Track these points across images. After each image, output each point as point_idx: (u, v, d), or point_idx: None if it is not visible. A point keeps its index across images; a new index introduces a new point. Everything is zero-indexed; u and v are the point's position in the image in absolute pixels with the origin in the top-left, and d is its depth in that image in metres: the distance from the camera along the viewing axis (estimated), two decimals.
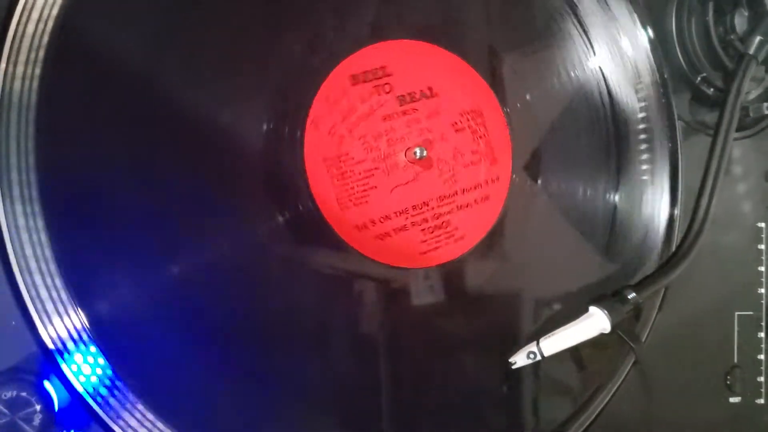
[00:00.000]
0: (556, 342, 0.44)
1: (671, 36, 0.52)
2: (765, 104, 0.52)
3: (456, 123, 0.44)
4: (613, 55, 0.48)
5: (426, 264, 0.42)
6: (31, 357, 0.35)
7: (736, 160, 0.54)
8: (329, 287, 0.40)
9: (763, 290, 0.56)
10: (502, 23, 0.46)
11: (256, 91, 0.39)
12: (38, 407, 0.33)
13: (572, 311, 0.45)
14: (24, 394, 0.33)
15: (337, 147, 0.40)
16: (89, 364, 0.36)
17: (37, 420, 0.33)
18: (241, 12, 0.39)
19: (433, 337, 0.43)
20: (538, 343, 0.44)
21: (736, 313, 0.55)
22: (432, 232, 0.42)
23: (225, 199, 0.38)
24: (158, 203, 0.37)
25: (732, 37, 0.50)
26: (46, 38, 0.35)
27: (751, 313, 0.55)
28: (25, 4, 0.35)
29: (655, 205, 0.49)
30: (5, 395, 0.33)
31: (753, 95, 0.53)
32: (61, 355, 0.36)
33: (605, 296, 0.45)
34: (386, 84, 0.42)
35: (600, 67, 0.48)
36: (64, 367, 0.36)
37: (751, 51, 0.49)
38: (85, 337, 0.36)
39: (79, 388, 0.36)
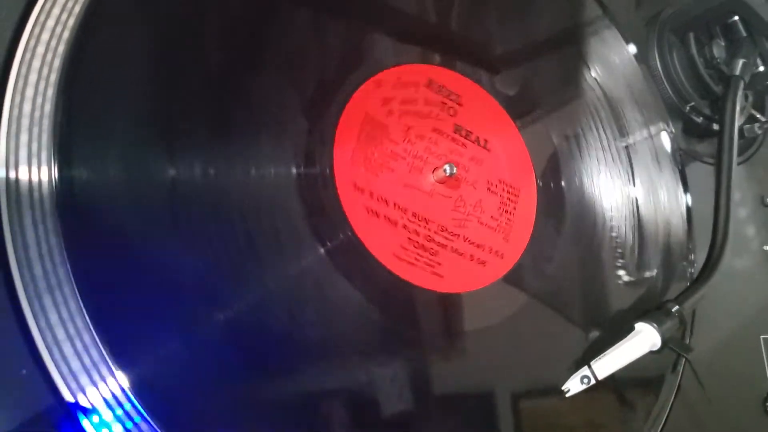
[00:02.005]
0: (609, 363, 0.41)
1: (657, 71, 0.54)
2: (756, 125, 0.53)
3: (492, 184, 0.43)
4: None
5: (392, 268, 0.39)
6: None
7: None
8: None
9: None
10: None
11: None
12: None
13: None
14: None
15: (382, 117, 0.39)
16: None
17: None
18: None
19: None
20: (590, 367, 0.41)
21: (761, 336, 0.54)
22: (416, 248, 0.39)
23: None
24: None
25: (718, 61, 0.52)
26: None
27: None
28: None
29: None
30: None
31: (740, 122, 0.55)
32: (85, 412, 0.31)
33: (648, 312, 0.43)
34: (452, 108, 0.43)
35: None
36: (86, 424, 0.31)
37: (737, 73, 0.51)
38: (121, 398, 0.31)
39: None
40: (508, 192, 0.44)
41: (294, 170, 0.37)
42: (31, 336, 0.31)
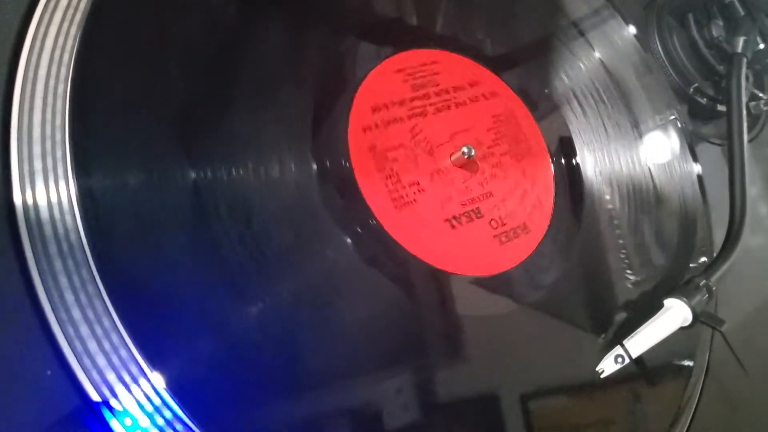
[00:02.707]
0: (642, 341, 0.40)
1: (659, 54, 0.54)
2: (762, 101, 0.53)
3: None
4: None
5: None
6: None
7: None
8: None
9: None
10: None
11: None
12: None
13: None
14: None
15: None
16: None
17: None
18: None
19: None
20: (623, 345, 0.40)
21: None
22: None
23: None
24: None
25: (719, 39, 0.52)
26: None
27: None
28: None
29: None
30: None
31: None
32: (113, 412, 0.29)
33: (676, 288, 0.42)
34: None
35: None
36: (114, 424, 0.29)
37: (739, 50, 0.51)
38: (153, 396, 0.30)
39: None
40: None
41: (314, 166, 0.36)
42: (53, 335, 0.30)
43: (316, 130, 0.37)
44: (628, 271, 0.45)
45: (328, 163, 0.36)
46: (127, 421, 0.29)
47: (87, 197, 0.29)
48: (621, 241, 0.46)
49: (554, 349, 0.41)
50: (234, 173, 0.34)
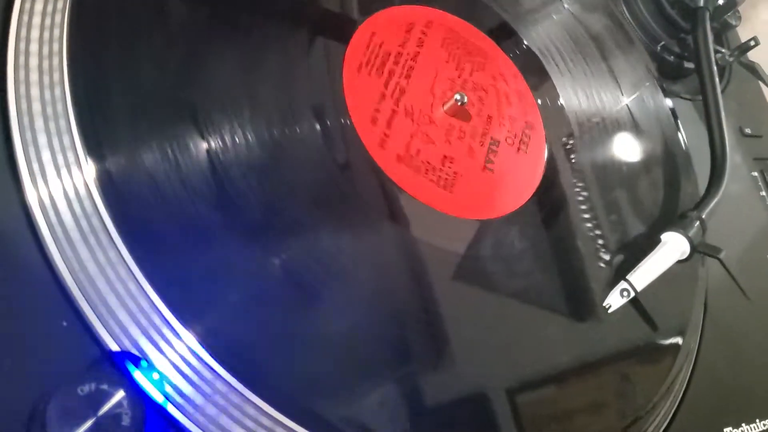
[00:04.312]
0: (644, 274, 0.41)
1: (625, 17, 0.56)
2: (726, 53, 0.55)
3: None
4: None
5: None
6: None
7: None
8: None
9: None
10: None
11: None
12: (126, 403, 0.26)
13: None
14: (105, 386, 0.26)
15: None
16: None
17: (127, 419, 0.25)
18: None
19: None
20: (627, 280, 0.40)
21: (767, 255, 0.55)
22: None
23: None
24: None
25: None
26: None
27: None
28: None
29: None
30: (82, 390, 0.25)
31: None
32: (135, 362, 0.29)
33: (671, 223, 0.43)
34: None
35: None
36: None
37: (701, 4, 0.53)
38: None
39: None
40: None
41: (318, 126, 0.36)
42: (67, 288, 0.29)
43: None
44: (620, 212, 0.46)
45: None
46: (155, 376, 0.29)
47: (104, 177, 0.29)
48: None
49: (538, 334, 0.40)
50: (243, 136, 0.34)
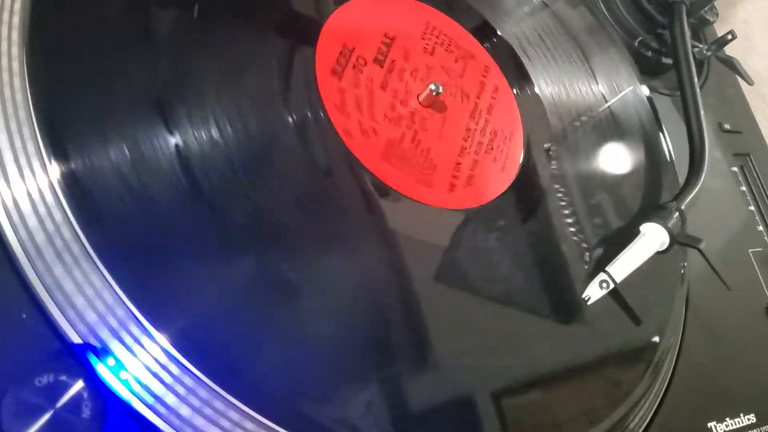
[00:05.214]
0: (623, 265, 0.40)
1: (603, 15, 0.56)
2: (704, 47, 0.55)
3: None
4: None
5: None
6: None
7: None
8: None
9: (761, 228, 0.56)
10: None
11: None
12: (85, 394, 0.25)
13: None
14: (64, 377, 0.25)
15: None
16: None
17: (87, 411, 0.25)
18: None
19: None
20: (606, 271, 0.40)
21: (749, 250, 0.55)
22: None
23: None
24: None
25: None
26: None
27: (760, 249, 0.55)
28: None
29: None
30: (40, 381, 0.24)
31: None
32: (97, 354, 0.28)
33: (650, 214, 0.43)
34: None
35: None
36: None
37: None
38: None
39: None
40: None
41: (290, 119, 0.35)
42: (27, 280, 0.28)
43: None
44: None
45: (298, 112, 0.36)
46: (110, 362, 0.28)
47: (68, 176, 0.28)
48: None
49: (520, 333, 0.39)
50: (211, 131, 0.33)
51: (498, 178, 0.41)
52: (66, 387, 0.25)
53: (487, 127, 0.42)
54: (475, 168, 0.40)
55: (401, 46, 0.41)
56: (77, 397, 0.25)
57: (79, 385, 0.25)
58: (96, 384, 0.26)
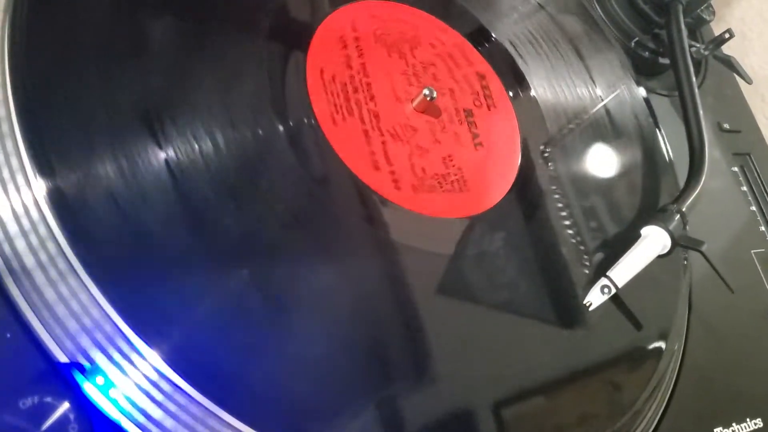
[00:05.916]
0: (625, 270, 0.39)
1: (600, 17, 0.55)
2: (701, 47, 0.55)
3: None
4: None
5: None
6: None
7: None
8: None
9: (763, 228, 0.55)
10: None
11: None
12: (72, 416, 0.24)
13: None
14: (49, 399, 0.24)
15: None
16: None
17: None
18: None
19: None
20: (607, 276, 0.39)
21: (752, 252, 0.54)
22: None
23: None
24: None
25: None
26: None
27: (763, 250, 0.54)
28: None
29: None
30: (24, 404, 0.23)
31: None
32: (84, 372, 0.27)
33: (651, 217, 0.42)
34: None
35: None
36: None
37: None
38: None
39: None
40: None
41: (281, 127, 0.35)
42: (11, 297, 0.27)
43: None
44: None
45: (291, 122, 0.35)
46: (99, 380, 0.27)
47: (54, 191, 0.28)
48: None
49: (521, 340, 0.38)
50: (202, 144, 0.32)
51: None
52: (51, 408, 0.24)
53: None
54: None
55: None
56: (63, 419, 0.24)
57: (65, 406, 0.24)
58: (83, 404, 0.25)
